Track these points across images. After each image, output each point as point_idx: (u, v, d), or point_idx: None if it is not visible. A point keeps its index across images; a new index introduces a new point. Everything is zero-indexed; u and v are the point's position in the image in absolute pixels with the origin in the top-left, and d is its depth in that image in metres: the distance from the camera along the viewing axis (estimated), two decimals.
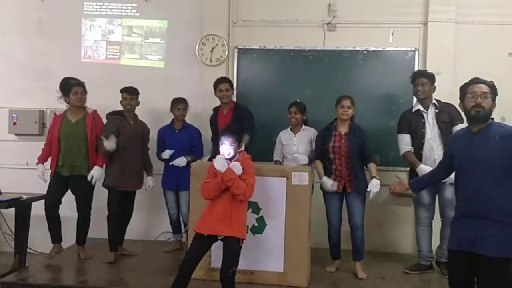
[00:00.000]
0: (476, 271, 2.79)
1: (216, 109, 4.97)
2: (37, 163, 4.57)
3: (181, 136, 4.85)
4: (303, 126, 4.62)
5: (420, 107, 4.40)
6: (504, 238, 2.71)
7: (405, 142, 4.43)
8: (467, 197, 2.84)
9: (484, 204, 2.75)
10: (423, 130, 4.33)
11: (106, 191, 4.66)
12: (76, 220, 4.63)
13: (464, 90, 2.95)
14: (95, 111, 4.65)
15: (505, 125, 2.92)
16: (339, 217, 4.38)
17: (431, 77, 4.39)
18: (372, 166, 4.26)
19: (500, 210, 2.73)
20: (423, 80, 4.35)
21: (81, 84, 4.57)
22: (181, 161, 4.75)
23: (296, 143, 4.56)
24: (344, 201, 4.35)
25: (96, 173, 4.50)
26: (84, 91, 4.57)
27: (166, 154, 4.79)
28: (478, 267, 2.77)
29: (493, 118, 2.91)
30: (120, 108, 4.71)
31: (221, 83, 4.83)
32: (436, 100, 4.40)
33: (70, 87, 4.50)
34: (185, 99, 4.90)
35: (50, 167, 4.54)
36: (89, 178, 4.47)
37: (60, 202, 4.58)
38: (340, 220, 4.39)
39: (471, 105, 2.85)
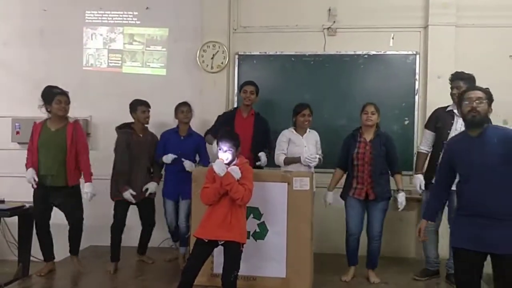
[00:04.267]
0: (482, 269, 2.98)
1: (235, 110, 4.93)
2: (27, 169, 4.32)
3: (185, 143, 4.71)
4: (308, 129, 4.61)
5: (454, 108, 4.21)
6: None
7: (425, 140, 4.38)
8: (473, 199, 2.93)
9: (491, 205, 2.86)
10: (449, 131, 4.18)
11: (107, 198, 4.68)
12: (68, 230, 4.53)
13: (461, 96, 3.09)
14: (76, 121, 4.50)
15: (501, 127, 3.09)
16: (360, 225, 4.31)
17: (468, 80, 4.19)
18: (397, 177, 4.28)
19: (507, 209, 2.85)
20: (459, 83, 4.18)
21: (65, 94, 4.39)
22: (190, 165, 4.58)
23: (306, 144, 4.51)
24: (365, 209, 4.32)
25: (88, 189, 4.38)
26: (68, 101, 4.39)
27: (169, 158, 4.61)
28: (494, 266, 2.93)
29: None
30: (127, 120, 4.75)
31: (247, 84, 4.82)
32: None
33: (54, 96, 4.32)
34: (188, 102, 4.81)
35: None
36: (84, 196, 4.38)
37: (50, 217, 4.46)
38: (360, 228, 4.32)
39: (467, 110, 2.98)
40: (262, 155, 4.63)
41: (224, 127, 4.56)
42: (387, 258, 4.88)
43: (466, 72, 4.29)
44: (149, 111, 4.72)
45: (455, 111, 4.16)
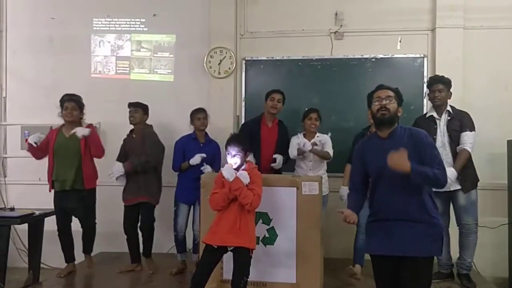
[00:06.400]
0: (400, 271, 2.85)
1: (259, 119, 4.78)
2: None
3: (206, 150, 4.66)
4: (317, 133, 4.59)
5: (434, 113, 4.31)
6: (428, 237, 2.81)
7: None
8: (387, 201, 2.86)
9: (403, 208, 2.81)
10: (434, 136, 4.18)
11: (118, 205, 4.77)
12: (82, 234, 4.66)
13: (370, 97, 3.02)
14: (90, 125, 4.59)
15: (409, 127, 3.03)
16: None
17: (447, 83, 4.28)
18: None
19: (421, 211, 2.81)
20: (439, 86, 4.25)
21: (73, 100, 4.51)
22: (207, 168, 4.57)
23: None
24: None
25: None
26: (76, 107, 4.50)
27: (197, 159, 4.55)
28: (403, 268, 2.83)
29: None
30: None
31: (275, 92, 4.71)
32: (451, 106, 4.29)
33: (62, 103, 4.50)
34: (204, 109, 4.78)
35: (48, 181, 4.52)
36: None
37: (70, 220, 4.59)
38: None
39: (377, 108, 2.91)
40: (278, 156, 4.56)
41: (251, 138, 4.44)
42: None
43: (473, 74, 4.29)
44: (135, 111, 4.73)
45: (435, 115, 4.26)
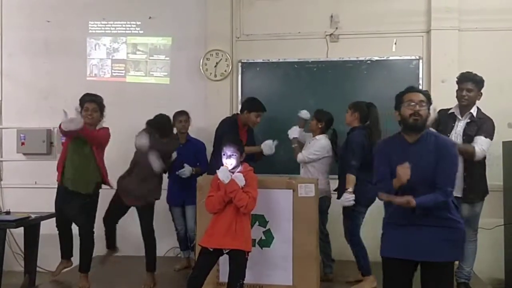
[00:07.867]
0: (422, 276, 2.85)
1: (234, 119, 4.80)
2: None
3: (184, 150, 4.76)
4: (318, 136, 4.49)
5: (456, 110, 4.06)
6: (450, 242, 2.78)
7: None
8: (408, 208, 2.76)
9: (426, 213, 2.76)
10: (448, 135, 3.96)
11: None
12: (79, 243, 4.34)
13: (400, 98, 2.92)
14: (105, 128, 4.38)
15: (438, 134, 2.94)
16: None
17: (479, 82, 3.98)
18: (348, 177, 4.11)
19: (444, 215, 2.78)
20: (469, 85, 3.96)
21: (95, 101, 4.27)
22: (186, 171, 4.63)
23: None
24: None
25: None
26: (97, 108, 4.27)
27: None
28: (424, 272, 2.83)
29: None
30: None
31: (262, 110, 4.67)
32: (478, 109, 4.02)
33: (83, 103, 4.23)
34: (186, 111, 4.87)
35: (57, 170, 4.29)
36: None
37: (70, 221, 4.46)
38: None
39: (409, 113, 2.82)
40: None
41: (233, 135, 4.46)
42: None
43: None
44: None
45: (457, 113, 4.07)
